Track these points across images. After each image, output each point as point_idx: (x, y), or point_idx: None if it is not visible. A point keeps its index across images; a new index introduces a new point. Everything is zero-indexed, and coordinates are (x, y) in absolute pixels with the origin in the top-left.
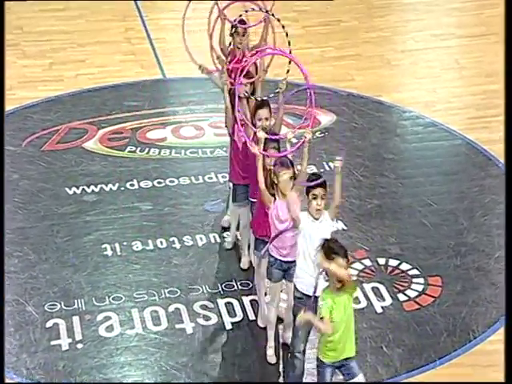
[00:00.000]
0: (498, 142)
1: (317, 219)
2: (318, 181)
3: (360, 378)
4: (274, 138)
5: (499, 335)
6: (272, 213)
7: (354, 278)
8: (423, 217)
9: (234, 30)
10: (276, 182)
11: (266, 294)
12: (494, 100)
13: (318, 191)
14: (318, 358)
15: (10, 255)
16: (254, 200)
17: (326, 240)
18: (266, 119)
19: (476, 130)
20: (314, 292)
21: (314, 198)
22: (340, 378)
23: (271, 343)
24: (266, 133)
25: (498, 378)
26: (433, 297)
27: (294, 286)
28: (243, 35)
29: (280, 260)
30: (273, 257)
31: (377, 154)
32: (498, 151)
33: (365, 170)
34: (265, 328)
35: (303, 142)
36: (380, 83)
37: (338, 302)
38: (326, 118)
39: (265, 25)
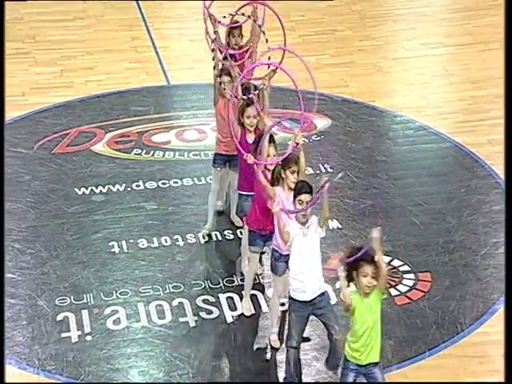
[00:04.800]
0: (484, 145)
1: (304, 224)
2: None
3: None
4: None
5: (485, 328)
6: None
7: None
8: (414, 216)
9: (229, 32)
10: (283, 176)
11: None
12: (480, 105)
13: (304, 197)
14: (344, 358)
15: (23, 252)
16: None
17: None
18: (254, 117)
19: (463, 134)
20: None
21: (300, 204)
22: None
23: (274, 329)
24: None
25: (484, 369)
26: (423, 291)
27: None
28: (239, 36)
29: (285, 254)
30: (277, 252)
31: (370, 156)
32: (484, 153)
33: (359, 172)
34: (250, 316)
35: (297, 146)
36: (373, 89)
37: (364, 303)
38: (321, 122)
39: (252, 20)
